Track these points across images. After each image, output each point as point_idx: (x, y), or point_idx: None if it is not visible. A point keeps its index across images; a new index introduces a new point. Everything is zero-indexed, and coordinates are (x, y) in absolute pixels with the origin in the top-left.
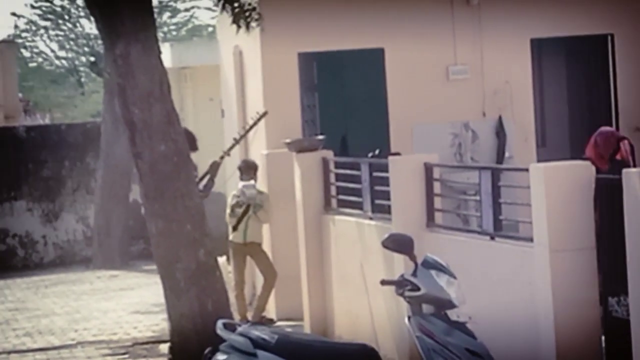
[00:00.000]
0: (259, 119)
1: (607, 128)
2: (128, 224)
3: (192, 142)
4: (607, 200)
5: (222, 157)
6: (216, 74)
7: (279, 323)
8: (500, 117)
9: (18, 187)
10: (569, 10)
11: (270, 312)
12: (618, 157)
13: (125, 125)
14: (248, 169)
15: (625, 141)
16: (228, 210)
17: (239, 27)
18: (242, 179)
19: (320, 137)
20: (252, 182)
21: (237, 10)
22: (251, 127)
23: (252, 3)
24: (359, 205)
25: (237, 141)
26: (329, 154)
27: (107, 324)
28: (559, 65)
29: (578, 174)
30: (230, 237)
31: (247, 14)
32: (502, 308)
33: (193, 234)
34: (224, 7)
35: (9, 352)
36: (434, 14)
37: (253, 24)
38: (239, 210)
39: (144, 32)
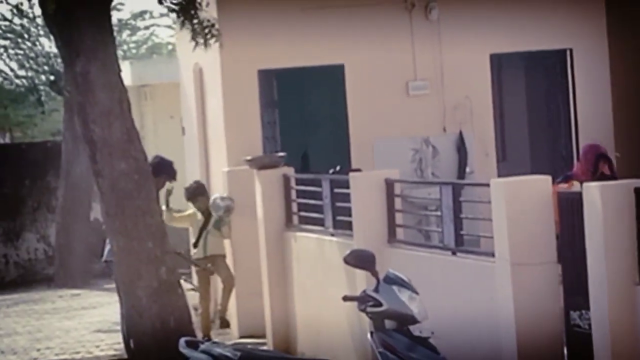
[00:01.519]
0: (197, 265)
1: (590, 143)
2: (89, 242)
3: (172, 172)
4: (569, 215)
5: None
6: (176, 91)
7: (241, 340)
8: (460, 132)
9: None
10: (528, 25)
11: (233, 328)
12: (606, 171)
13: (86, 143)
14: (194, 196)
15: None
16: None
17: (197, 43)
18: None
19: (281, 154)
20: (225, 194)
21: (196, 26)
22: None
23: (210, 20)
24: (320, 222)
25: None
26: (290, 170)
27: (69, 343)
28: (518, 80)
29: (539, 189)
30: (193, 255)
31: (206, 30)
32: (465, 323)
33: (154, 251)
34: (183, 24)
35: None
36: (394, 29)
37: (211, 40)
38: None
39: (104, 50)
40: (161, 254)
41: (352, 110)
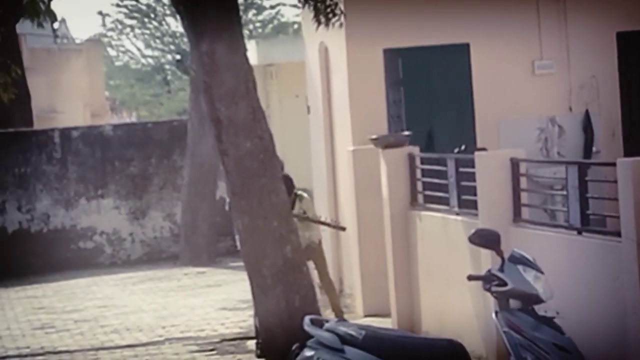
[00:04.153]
0: (335, 227)
1: None
2: (214, 220)
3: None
4: None
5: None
6: (302, 70)
7: (366, 318)
8: (587, 112)
9: (105, 185)
10: None
11: (357, 307)
12: None
13: (211, 122)
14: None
15: None
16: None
17: (319, 23)
18: None
19: (406, 133)
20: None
21: (319, 5)
22: (324, 224)
23: None
24: (445, 201)
25: (305, 218)
26: (415, 149)
27: (194, 320)
28: None
29: None
30: None
31: (329, 9)
32: (590, 303)
33: (280, 230)
34: (306, 2)
35: (97, 349)
36: (519, 8)
37: (334, 19)
38: None
39: (230, 29)
40: (286, 233)
41: (477, 89)
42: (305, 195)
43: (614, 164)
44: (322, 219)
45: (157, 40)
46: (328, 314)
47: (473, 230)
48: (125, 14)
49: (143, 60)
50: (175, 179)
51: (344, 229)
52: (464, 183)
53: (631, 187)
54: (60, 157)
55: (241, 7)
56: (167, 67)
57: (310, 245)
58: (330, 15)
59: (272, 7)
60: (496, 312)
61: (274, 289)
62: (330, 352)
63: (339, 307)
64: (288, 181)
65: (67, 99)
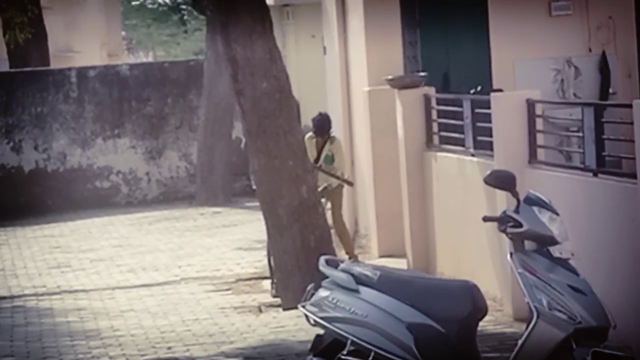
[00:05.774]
0: (343, 180)
1: None
2: (231, 160)
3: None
4: None
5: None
6: (318, 10)
7: (381, 259)
8: (603, 53)
9: (121, 125)
10: None
11: (373, 248)
12: None
13: (228, 62)
14: (322, 129)
15: None
16: None
17: None
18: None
19: (422, 73)
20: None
21: None
22: (333, 175)
23: None
24: (460, 142)
25: (318, 168)
26: (430, 90)
27: (210, 260)
28: None
29: None
30: None
31: None
32: (605, 245)
33: (295, 170)
34: None
35: (113, 289)
36: None
37: None
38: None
39: None
40: (302, 173)
41: (493, 30)
42: (337, 138)
43: (630, 106)
44: (333, 172)
45: None
46: (342, 255)
47: (488, 172)
48: None
49: (160, 0)
50: (192, 118)
51: (351, 184)
52: (479, 124)
53: None
54: (76, 97)
55: None
56: (183, 6)
57: (328, 187)
58: None
59: None
60: (511, 254)
61: (290, 228)
62: (345, 293)
63: (352, 249)
64: (327, 122)
65: (83, 38)
